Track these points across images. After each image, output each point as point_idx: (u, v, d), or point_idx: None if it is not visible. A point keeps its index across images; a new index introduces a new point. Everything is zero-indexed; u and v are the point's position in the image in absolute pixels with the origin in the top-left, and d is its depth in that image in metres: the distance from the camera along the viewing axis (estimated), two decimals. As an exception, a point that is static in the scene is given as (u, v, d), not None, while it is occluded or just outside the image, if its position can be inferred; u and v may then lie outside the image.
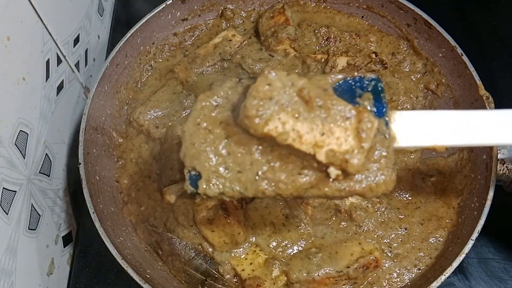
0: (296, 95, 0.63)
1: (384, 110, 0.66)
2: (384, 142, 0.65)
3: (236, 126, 0.66)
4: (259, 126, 0.62)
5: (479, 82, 1.02)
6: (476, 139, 0.70)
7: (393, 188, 0.67)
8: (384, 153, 0.65)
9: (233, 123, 0.67)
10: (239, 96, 0.68)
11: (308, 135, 0.62)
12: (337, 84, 0.66)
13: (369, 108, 0.65)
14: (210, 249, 0.92)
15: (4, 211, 0.83)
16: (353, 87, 0.66)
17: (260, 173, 0.65)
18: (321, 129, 0.62)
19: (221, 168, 0.66)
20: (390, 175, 0.65)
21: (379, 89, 0.66)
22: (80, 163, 0.96)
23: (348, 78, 0.66)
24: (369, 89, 0.66)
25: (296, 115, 0.63)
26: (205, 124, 0.68)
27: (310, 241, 0.94)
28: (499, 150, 0.95)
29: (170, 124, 1.06)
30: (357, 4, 1.22)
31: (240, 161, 0.66)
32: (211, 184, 0.66)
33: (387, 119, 0.66)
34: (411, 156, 1.02)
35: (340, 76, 0.66)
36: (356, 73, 0.67)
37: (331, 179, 0.64)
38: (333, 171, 0.64)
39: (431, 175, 1.02)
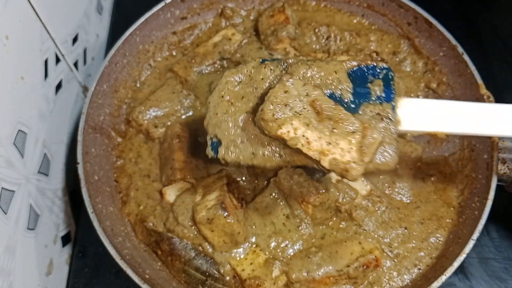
0: (309, 105, 0.70)
1: (392, 96, 0.74)
2: (390, 125, 0.73)
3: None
4: (273, 128, 0.70)
5: (479, 81, 1.02)
6: (476, 129, 0.74)
7: (395, 167, 0.73)
8: (388, 135, 0.72)
9: (253, 102, 0.76)
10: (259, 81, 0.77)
11: (316, 143, 0.70)
12: (351, 70, 0.74)
13: (378, 93, 0.74)
14: (210, 249, 0.92)
15: (3, 211, 0.83)
16: (366, 73, 0.75)
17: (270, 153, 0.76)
18: (328, 139, 0.70)
19: (238, 140, 0.75)
20: (393, 155, 0.72)
21: (389, 77, 0.75)
22: (78, 163, 0.95)
23: (362, 65, 0.74)
24: (380, 77, 0.75)
25: (307, 123, 0.70)
26: (228, 97, 0.77)
27: (310, 240, 0.94)
28: (500, 149, 0.95)
29: (169, 123, 1.06)
30: (357, 3, 1.22)
31: (253, 142, 0.75)
32: (229, 151, 0.75)
33: (393, 104, 0.74)
34: (412, 156, 1.02)
35: (354, 63, 0.75)
36: (369, 61, 0.75)
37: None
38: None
39: (431, 175, 1.02)
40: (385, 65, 0.75)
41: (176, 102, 1.08)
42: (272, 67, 0.77)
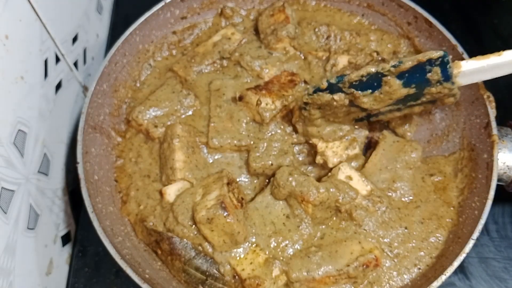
0: None
1: (449, 75, 0.85)
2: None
3: None
4: None
5: (479, 81, 1.02)
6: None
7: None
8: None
9: None
10: None
11: None
12: (402, 72, 0.86)
13: (437, 78, 0.85)
14: (210, 249, 0.92)
15: (3, 211, 0.83)
16: (424, 67, 0.85)
17: None
18: None
19: None
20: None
21: (445, 61, 0.83)
22: (78, 162, 0.95)
23: (419, 64, 0.85)
24: (437, 64, 0.84)
25: None
26: None
27: (310, 240, 0.94)
28: (500, 149, 0.95)
29: (169, 123, 1.06)
30: (357, 3, 1.22)
31: None
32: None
33: (453, 80, 0.86)
34: (412, 155, 1.02)
35: (409, 64, 0.85)
36: (424, 58, 0.84)
37: None
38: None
39: (431, 174, 1.02)
40: (439, 53, 0.83)
41: (176, 101, 1.08)
42: None
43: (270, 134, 1.03)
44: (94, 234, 0.88)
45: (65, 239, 1.10)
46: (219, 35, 1.18)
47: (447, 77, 0.85)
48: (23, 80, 0.91)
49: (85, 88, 1.24)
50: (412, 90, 0.88)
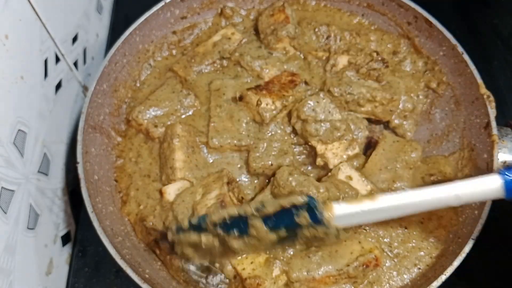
0: None
1: (320, 219, 0.81)
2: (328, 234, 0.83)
3: None
4: None
5: (479, 81, 1.02)
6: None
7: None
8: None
9: None
10: None
11: None
12: (267, 216, 0.81)
13: (306, 222, 0.81)
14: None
15: (3, 211, 0.82)
16: (290, 211, 0.81)
17: None
18: None
19: None
20: None
21: (312, 206, 0.80)
22: (78, 162, 0.95)
23: (283, 209, 0.81)
24: (303, 208, 0.80)
25: None
26: None
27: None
28: (500, 149, 0.95)
29: (169, 123, 1.05)
30: (357, 3, 1.22)
31: None
32: None
33: (325, 222, 0.81)
34: (412, 155, 1.02)
35: (272, 209, 0.81)
36: (287, 204, 0.81)
37: None
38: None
39: (431, 174, 1.02)
40: (304, 199, 0.80)
41: (176, 101, 1.08)
42: None
43: (270, 134, 1.03)
44: (94, 234, 0.88)
45: (65, 239, 1.10)
46: (219, 35, 1.18)
47: (317, 221, 0.81)
48: (23, 80, 0.91)
49: (85, 88, 1.24)
50: (283, 233, 0.82)
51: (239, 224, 0.82)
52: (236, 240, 0.82)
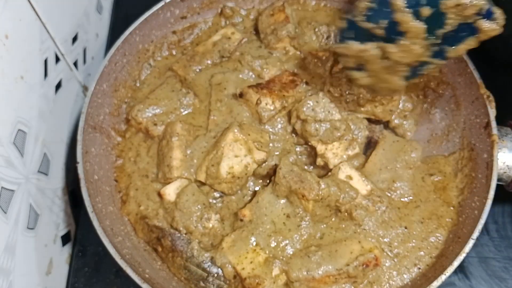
0: None
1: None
2: None
3: None
4: None
5: (479, 81, 1.02)
6: None
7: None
8: None
9: None
10: None
11: None
12: None
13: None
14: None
15: (3, 211, 0.82)
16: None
17: None
18: None
19: None
20: None
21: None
22: (78, 162, 0.95)
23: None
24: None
25: None
26: None
27: (310, 240, 0.94)
28: (500, 149, 0.95)
29: (169, 121, 1.05)
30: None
31: None
32: None
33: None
34: (412, 155, 1.02)
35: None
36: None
37: None
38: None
39: (431, 174, 1.02)
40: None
41: (175, 100, 1.08)
42: None
43: (272, 134, 1.03)
44: (94, 234, 0.88)
45: (65, 239, 1.10)
46: (219, 34, 1.18)
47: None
48: (23, 80, 0.91)
49: (85, 88, 1.24)
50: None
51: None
52: (394, 47, 0.84)
